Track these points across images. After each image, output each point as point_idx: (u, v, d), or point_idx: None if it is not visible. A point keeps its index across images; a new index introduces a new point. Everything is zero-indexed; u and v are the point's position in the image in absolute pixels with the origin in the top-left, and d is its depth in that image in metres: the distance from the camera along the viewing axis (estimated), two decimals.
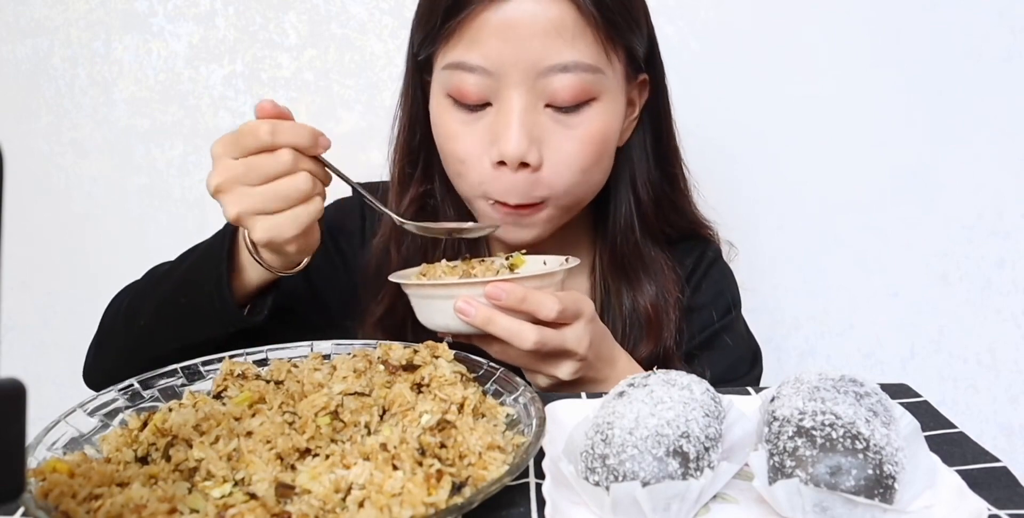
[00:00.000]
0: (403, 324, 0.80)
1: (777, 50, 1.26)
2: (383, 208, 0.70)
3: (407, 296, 0.71)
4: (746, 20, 1.25)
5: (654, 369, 0.56)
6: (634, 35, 0.75)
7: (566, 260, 0.73)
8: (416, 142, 0.83)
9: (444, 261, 0.76)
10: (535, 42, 0.69)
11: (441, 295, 0.66)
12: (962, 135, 1.28)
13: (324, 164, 0.65)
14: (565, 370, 0.68)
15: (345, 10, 1.26)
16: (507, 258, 0.75)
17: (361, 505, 0.44)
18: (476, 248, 0.86)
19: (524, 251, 0.76)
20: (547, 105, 0.72)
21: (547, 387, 0.70)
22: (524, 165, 0.72)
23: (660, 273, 0.84)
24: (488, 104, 0.73)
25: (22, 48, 1.27)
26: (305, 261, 0.70)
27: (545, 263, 0.75)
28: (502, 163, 0.73)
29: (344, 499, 0.45)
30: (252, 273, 0.69)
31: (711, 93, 1.24)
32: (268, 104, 0.62)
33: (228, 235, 0.70)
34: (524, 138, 0.71)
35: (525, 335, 0.64)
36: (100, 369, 0.82)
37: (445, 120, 0.76)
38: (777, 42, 1.26)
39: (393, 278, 0.71)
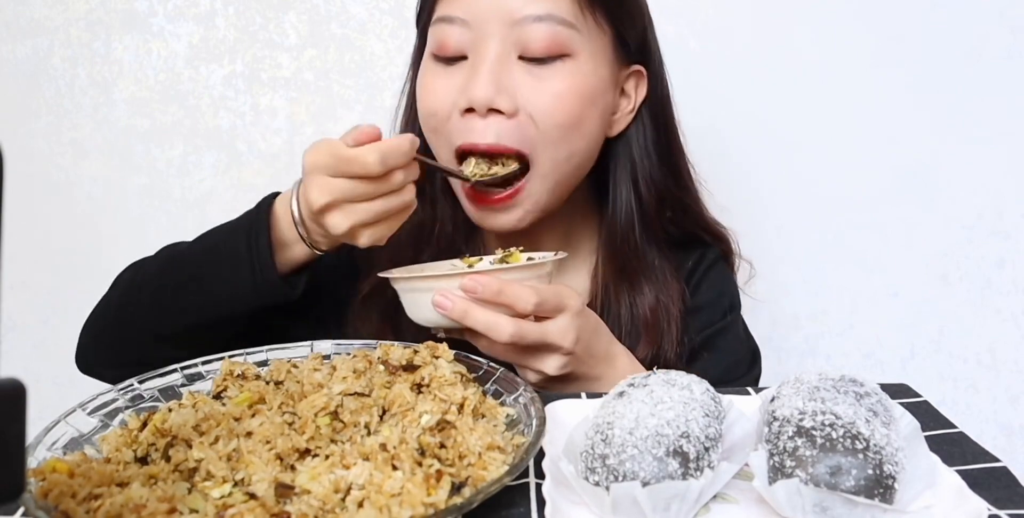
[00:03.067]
0: (398, 306, 0.81)
1: (776, 50, 1.26)
2: (452, 170, 0.75)
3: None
4: (746, 20, 1.25)
5: (654, 369, 0.56)
6: (617, 8, 0.77)
7: (555, 254, 0.73)
8: (417, 131, 0.84)
9: (442, 263, 0.77)
10: None
11: (423, 288, 0.66)
12: (962, 135, 1.28)
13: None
14: (550, 365, 0.68)
15: (345, 10, 1.26)
16: (504, 254, 0.74)
17: (361, 505, 0.44)
18: (471, 243, 0.86)
19: (521, 248, 0.75)
20: (521, 57, 0.74)
21: (536, 382, 0.70)
22: (495, 112, 0.73)
23: (662, 280, 0.84)
24: (465, 58, 0.75)
25: (22, 48, 1.27)
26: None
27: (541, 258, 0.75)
28: (471, 110, 0.74)
29: (344, 499, 0.45)
30: (290, 252, 0.70)
31: (710, 93, 1.23)
32: (373, 131, 0.63)
33: (264, 209, 0.70)
34: (492, 84, 0.73)
35: (501, 328, 0.63)
36: (101, 348, 0.81)
37: (425, 76, 0.78)
38: (776, 42, 1.26)
39: (382, 273, 0.71)
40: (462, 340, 0.69)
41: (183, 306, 0.72)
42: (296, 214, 0.67)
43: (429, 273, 0.69)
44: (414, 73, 0.85)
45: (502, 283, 0.64)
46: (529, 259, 0.73)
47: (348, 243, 0.67)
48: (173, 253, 0.79)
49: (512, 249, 0.75)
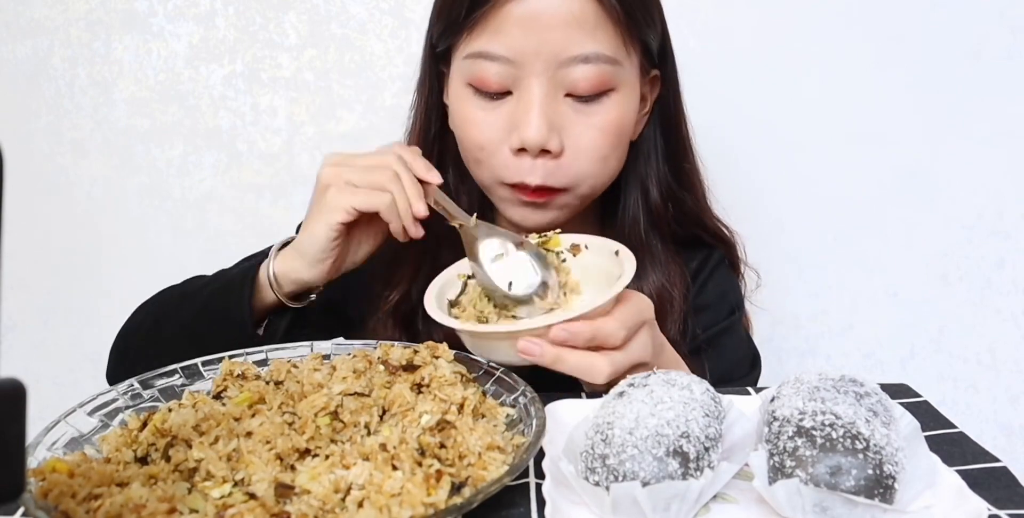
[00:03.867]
0: (414, 313, 0.82)
1: (776, 50, 1.26)
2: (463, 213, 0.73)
3: (420, 283, 0.71)
4: (746, 21, 1.25)
5: (654, 369, 0.56)
6: (650, 30, 0.77)
7: (616, 253, 0.70)
8: (432, 132, 0.85)
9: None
10: (557, 33, 0.71)
11: (501, 337, 0.62)
12: (962, 135, 1.28)
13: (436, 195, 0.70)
14: (638, 377, 0.66)
15: (345, 10, 1.26)
16: (543, 239, 0.73)
17: (360, 505, 0.44)
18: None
19: (558, 230, 0.74)
20: (567, 95, 0.74)
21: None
22: (544, 152, 0.74)
23: (666, 267, 0.84)
24: (508, 93, 0.75)
25: (22, 48, 1.27)
26: (311, 298, 0.76)
27: (585, 245, 0.73)
28: (522, 150, 0.74)
29: (343, 499, 0.45)
30: (268, 296, 0.74)
31: (710, 93, 1.23)
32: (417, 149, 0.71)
33: (259, 261, 0.75)
34: (545, 125, 0.72)
35: (598, 370, 0.60)
36: (124, 371, 0.83)
37: (465, 108, 0.77)
38: (777, 42, 1.26)
39: (436, 315, 0.65)
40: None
41: (198, 346, 0.72)
42: (272, 279, 0.73)
43: (503, 328, 0.64)
44: (430, 90, 0.83)
45: (592, 327, 0.60)
46: (574, 245, 0.72)
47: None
48: (182, 296, 0.82)
49: (549, 234, 0.73)
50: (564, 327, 0.60)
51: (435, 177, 0.69)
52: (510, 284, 0.70)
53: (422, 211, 0.68)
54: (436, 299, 0.68)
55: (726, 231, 0.90)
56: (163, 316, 0.81)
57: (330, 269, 0.72)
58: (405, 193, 0.67)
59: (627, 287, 0.63)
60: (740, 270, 0.93)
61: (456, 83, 0.78)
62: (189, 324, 0.76)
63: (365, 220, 0.70)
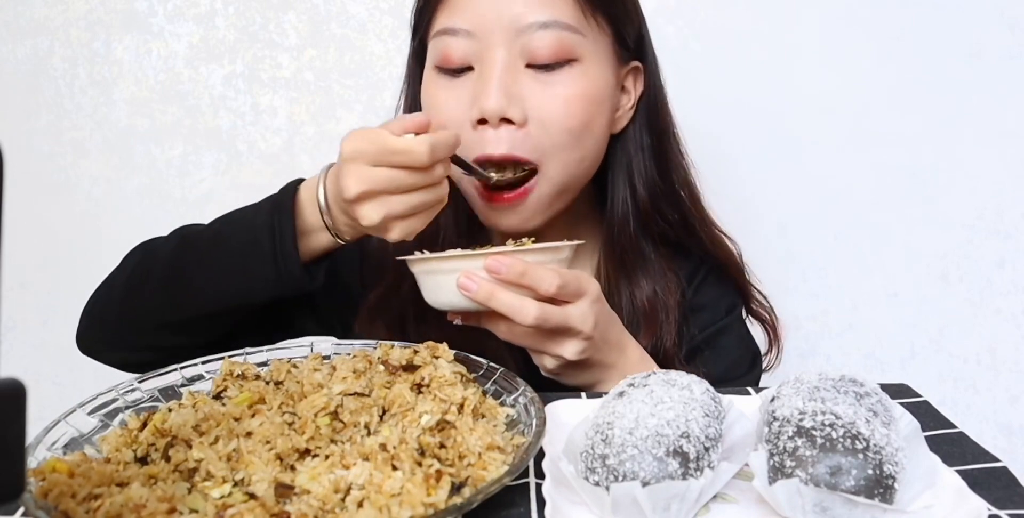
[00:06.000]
0: (402, 316, 0.81)
1: (777, 50, 1.26)
2: (479, 169, 0.73)
3: (405, 283, 0.71)
4: (746, 21, 1.25)
5: (653, 371, 0.56)
6: (617, 9, 0.77)
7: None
8: None
9: (458, 250, 0.76)
10: (516, 2, 0.73)
11: (445, 270, 0.65)
12: (962, 135, 1.28)
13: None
14: (570, 349, 0.67)
15: (345, 10, 1.26)
16: (517, 244, 0.74)
17: (360, 505, 0.44)
18: (480, 240, 0.86)
19: (532, 239, 0.74)
20: (528, 65, 0.74)
21: (553, 369, 0.70)
22: (507, 122, 0.73)
23: (659, 274, 0.84)
24: (470, 68, 0.75)
25: (22, 48, 1.27)
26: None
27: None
28: (483, 122, 0.74)
29: (343, 499, 0.45)
30: (313, 240, 0.69)
31: (710, 93, 1.23)
32: (423, 121, 0.62)
33: (289, 195, 0.69)
34: (502, 94, 0.72)
35: (527, 310, 0.63)
36: (104, 330, 0.80)
37: (430, 89, 0.78)
38: (776, 42, 1.26)
39: (402, 258, 0.69)
40: (477, 327, 0.68)
41: (195, 294, 0.72)
42: (323, 202, 0.66)
43: (446, 254, 0.67)
44: (411, 84, 0.84)
45: (525, 265, 0.63)
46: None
47: (376, 236, 0.66)
48: (188, 237, 0.76)
49: (524, 240, 0.74)
50: (497, 258, 0.63)
51: (458, 140, 0.66)
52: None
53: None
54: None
55: (726, 240, 0.88)
56: (158, 257, 0.75)
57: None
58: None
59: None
60: (744, 284, 0.89)
61: (428, 69, 0.79)
62: (210, 264, 0.70)
63: None
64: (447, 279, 0.65)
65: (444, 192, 0.66)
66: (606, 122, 0.80)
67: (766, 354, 0.90)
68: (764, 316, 0.90)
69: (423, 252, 0.69)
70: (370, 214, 0.62)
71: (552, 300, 0.65)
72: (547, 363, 0.69)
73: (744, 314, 0.90)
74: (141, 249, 0.81)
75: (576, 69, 0.75)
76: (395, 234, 0.64)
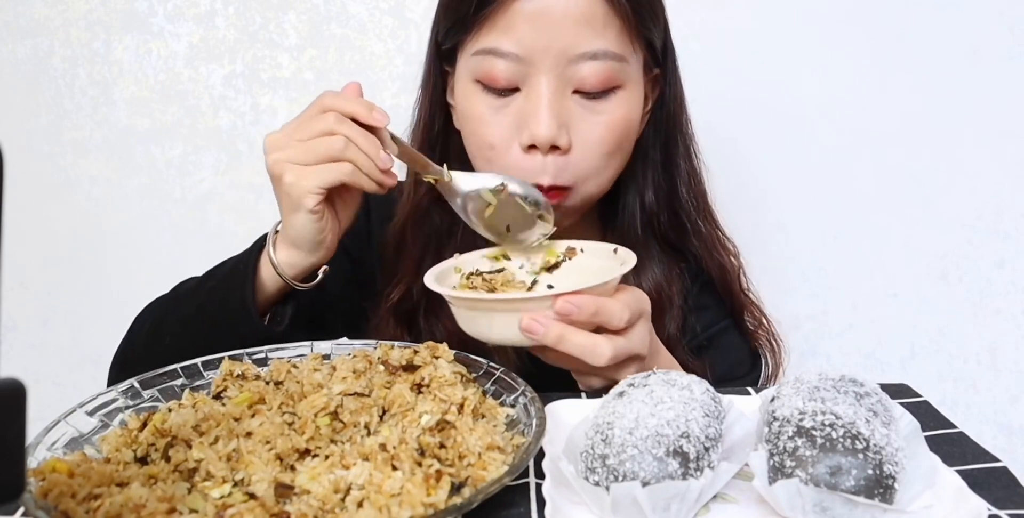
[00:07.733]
0: (416, 310, 0.81)
1: (776, 50, 1.26)
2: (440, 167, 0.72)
3: (421, 281, 0.68)
4: (746, 21, 1.25)
5: (654, 369, 0.56)
6: (655, 28, 0.77)
7: (614, 251, 0.71)
8: (435, 130, 0.84)
9: (479, 251, 0.75)
10: (566, 30, 0.71)
11: (500, 309, 0.61)
12: (962, 135, 1.28)
13: (390, 137, 0.68)
14: (628, 372, 0.64)
15: (345, 10, 1.26)
16: (536, 241, 0.74)
17: (360, 505, 0.44)
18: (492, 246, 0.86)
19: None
20: (575, 91, 0.74)
21: (599, 387, 0.68)
22: (554, 148, 0.74)
23: (664, 265, 0.84)
24: (516, 89, 0.75)
25: (22, 48, 1.27)
26: (320, 276, 0.72)
27: (581, 249, 0.74)
28: (532, 147, 0.74)
29: (343, 499, 0.45)
30: (271, 284, 0.72)
31: (711, 94, 1.23)
32: (356, 86, 0.68)
33: (255, 251, 0.72)
34: (554, 121, 0.72)
35: (600, 351, 0.60)
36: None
37: (474, 105, 0.77)
38: (776, 43, 1.26)
39: (434, 287, 0.65)
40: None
41: (189, 350, 0.71)
42: (270, 250, 0.70)
43: (505, 296, 0.64)
44: (432, 88, 0.83)
45: (597, 302, 0.60)
46: (569, 248, 0.74)
47: (275, 185, 0.67)
48: (178, 295, 0.81)
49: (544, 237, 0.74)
50: (569, 299, 0.59)
51: (381, 116, 0.66)
52: (508, 227, 0.72)
53: (386, 162, 0.66)
54: (436, 280, 0.68)
55: (728, 256, 0.88)
56: (162, 319, 0.79)
57: (331, 244, 0.71)
58: (362, 153, 0.65)
59: (625, 284, 0.63)
60: (737, 300, 0.88)
61: (463, 81, 0.78)
62: (191, 322, 0.75)
63: (336, 188, 0.68)
64: (502, 317, 0.61)
65: (335, 146, 0.64)
66: (635, 136, 0.81)
67: (768, 377, 0.89)
68: (760, 336, 0.88)
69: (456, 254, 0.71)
70: (268, 156, 0.66)
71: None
72: (595, 384, 0.67)
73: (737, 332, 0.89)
74: (148, 310, 0.83)
75: (620, 96, 0.75)
76: (287, 177, 0.65)
